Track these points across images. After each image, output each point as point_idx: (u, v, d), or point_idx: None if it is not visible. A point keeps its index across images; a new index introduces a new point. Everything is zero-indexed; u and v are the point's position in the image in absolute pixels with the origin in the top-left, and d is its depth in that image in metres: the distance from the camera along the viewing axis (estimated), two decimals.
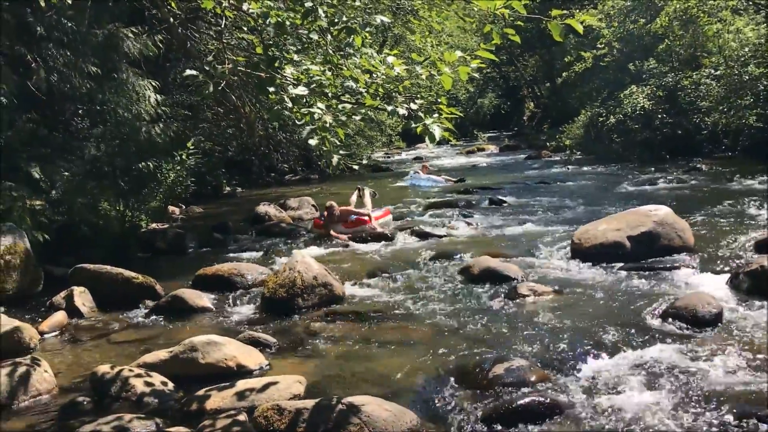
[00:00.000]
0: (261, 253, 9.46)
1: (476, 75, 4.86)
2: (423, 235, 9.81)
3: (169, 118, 11.02)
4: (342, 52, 4.55)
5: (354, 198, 11.57)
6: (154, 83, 10.10)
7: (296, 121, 4.55)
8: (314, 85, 4.19)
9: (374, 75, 4.56)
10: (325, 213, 10.44)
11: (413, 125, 4.34)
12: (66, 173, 8.58)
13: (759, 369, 4.45)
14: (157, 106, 9.99)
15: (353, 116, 4.31)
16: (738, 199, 11.13)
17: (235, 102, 10.45)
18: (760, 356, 4.64)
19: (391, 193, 15.94)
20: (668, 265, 7.10)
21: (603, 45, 22.63)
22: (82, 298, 6.94)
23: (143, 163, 9.78)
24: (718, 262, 7.14)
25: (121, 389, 4.68)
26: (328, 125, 4.01)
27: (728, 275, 6.51)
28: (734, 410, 3.88)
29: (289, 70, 4.45)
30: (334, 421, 3.80)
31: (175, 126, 11.13)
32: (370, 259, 8.78)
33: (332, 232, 10.20)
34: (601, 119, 20.61)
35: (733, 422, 3.77)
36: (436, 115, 4.39)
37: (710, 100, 18.25)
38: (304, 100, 4.27)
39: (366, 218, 10.41)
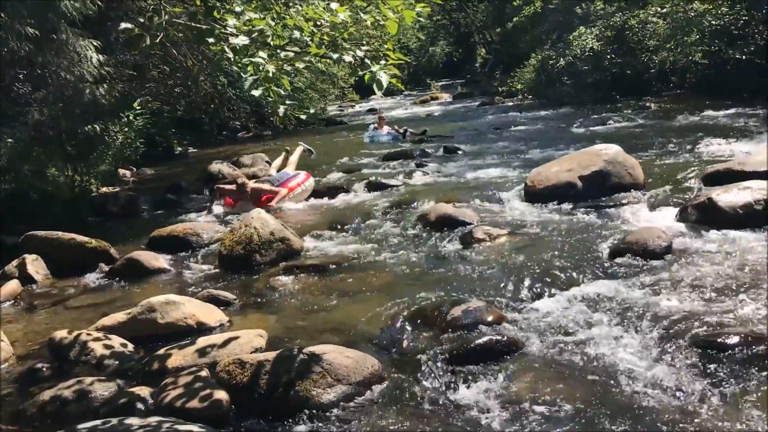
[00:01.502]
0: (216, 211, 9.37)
1: (422, 20, 4.82)
2: (379, 186, 9.82)
3: (113, 79, 10.73)
4: (284, 0, 4.46)
5: (278, 161, 10.81)
6: (95, 43, 9.79)
7: (242, 74, 4.47)
8: (255, 34, 4.11)
9: (318, 23, 4.49)
10: (236, 189, 9.42)
11: (360, 73, 4.29)
12: (9, 140, 8.34)
13: (708, 297, 4.59)
14: (100, 66, 9.70)
15: (297, 64, 4.24)
16: (686, 135, 11.35)
17: (176, 56, 10.20)
18: (708, 285, 4.79)
19: (346, 146, 15.87)
20: (619, 202, 7.25)
21: None
22: (35, 265, 6.82)
23: (89, 126, 9.54)
24: (668, 196, 7.29)
25: (81, 353, 4.64)
26: (271, 74, 3.94)
27: (677, 209, 6.66)
28: (687, 337, 4.01)
29: (231, 21, 4.35)
30: (296, 370, 3.83)
31: (120, 86, 10.86)
32: (327, 212, 8.78)
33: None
34: (552, 62, 20.70)
35: (686, 348, 3.89)
36: (383, 61, 4.35)
37: (657, 38, 18.43)
38: (249, 52, 4.18)
39: (272, 195, 9.34)
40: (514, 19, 27.38)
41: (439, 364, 4.02)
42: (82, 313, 5.77)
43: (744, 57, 15.30)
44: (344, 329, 4.76)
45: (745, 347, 3.79)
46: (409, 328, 4.62)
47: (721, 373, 3.62)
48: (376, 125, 16.43)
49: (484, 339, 4.17)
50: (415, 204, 8.33)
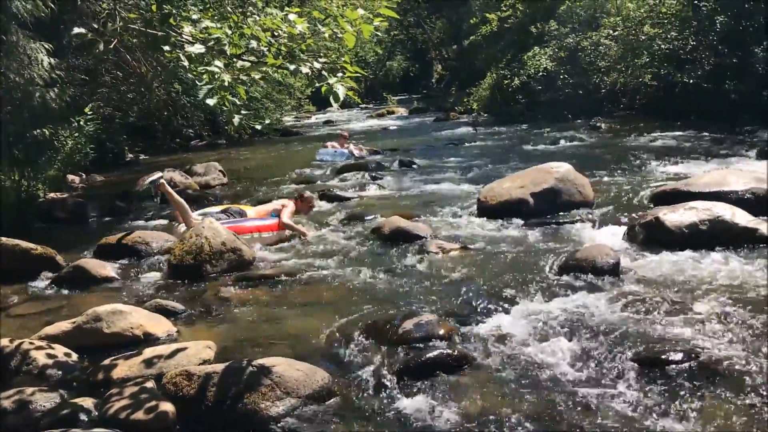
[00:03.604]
0: (167, 220, 9.23)
1: (379, 34, 4.86)
2: (333, 199, 9.81)
3: (64, 83, 10.52)
4: (242, 9, 4.45)
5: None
6: (47, 46, 9.61)
7: (197, 81, 4.43)
8: (212, 42, 4.08)
9: (276, 33, 4.48)
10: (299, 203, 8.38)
11: (317, 84, 4.30)
12: None
13: (653, 314, 4.68)
14: (51, 70, 9.52)
15: (253, 74, 4.22)
16: (635, 155, 11.62)
17: (130, 62, 10.07)
18: (653, 302, 4.88)
19: (301, 157, 15.84)
20: (569, 219, 7.37)
21: (507, 7, 22.98)
22: None
23: (38, 130, 9.35)
24: (617, 215, 7.45)
25: (22, 363, 4.50)
26: (226, 84, 3.91)
27: (625, 227, 6.80)
28: (632, 353, 4.08)
29: (187, 29, 4.31)
30: (245, 383, 3.79)
31: (71, 91, 10.67)
32: None
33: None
34: (507, 81, 21.01)
35: (631, 364, 3.96)
36: (340, 74, 4.36)
37: (609, 60, 18.86)
38: (204, 60, 4.15)
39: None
40: (471, 37, 27.71)
41: (389, 378, 4.02)
42: (25, 321, 5.60)
43: (692, 81, 15.74)
44: (295, 342, 4.72)
45: (687, 363, 3.88)
46: (360, 341, 4.61)
47: (664, 388, 3.69)
48: (334, 142, 15.27)
49: (435, 353, 4.18)
50: (370, 217, 8.34)
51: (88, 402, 3.90)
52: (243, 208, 8.51)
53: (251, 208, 8.48)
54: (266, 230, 7.76)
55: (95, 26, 4.11)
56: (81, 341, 4.84)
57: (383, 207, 8.95)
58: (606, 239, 6.56)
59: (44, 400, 3.93)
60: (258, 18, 4.57)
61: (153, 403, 3.74)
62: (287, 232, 7.76)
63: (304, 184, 11.57)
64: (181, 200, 8.10)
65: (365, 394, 3.89)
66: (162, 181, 8.17)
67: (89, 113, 12.84)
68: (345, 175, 12.18)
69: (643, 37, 17.58)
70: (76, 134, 12.01)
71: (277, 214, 8.02)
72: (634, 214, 7.27)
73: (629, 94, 18.55)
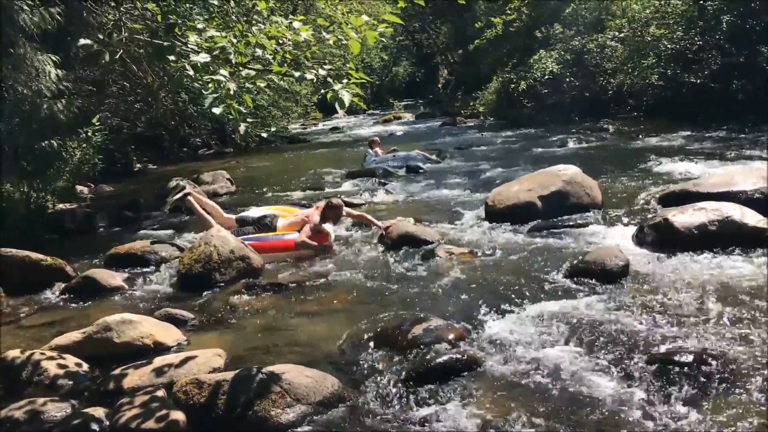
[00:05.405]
0: (175, 229, 9.27)
1: (384, 40, 4.87)
2: None
3: (72, 94, 10.58)
4: (246, 18, 4.47)
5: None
6: (54, 58, 9.67)
7: (203, 91, 4.45)
8: (217, 51, 4.09)
9: (281, 41, 4.50)
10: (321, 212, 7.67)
11: (322, 91, 4.31)
12: None
13: (664, 315, 4.67)
14: (58, 81, 9.58)
15: (259, 83, 4.23)
16: (643, 156, 11.56)
17: (136, 72, 10.12)
18: (664, 304, 4.88)
19: (308, 163, 15.87)
20: (578, 222, 7.35)
21: (512, 11, 22.97)
22: None
23: (47, 142, 9.39)
24: (625, 217, 7.42)
25: (33, 373, 4.52)
26: (232, 92, 3.93)
27: (634, 229, 6.77)
28: (643, 354, 4.07)
29: (192, 38, 4.33)
30: (255, 390, 3.79)
31: (79, 102, 10.73)
32: None
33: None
34: (513, 85, 20.97)
35: (642, 366, 3.95)
36: (345, 80, 4.37)
37: (615, 61, 18.82)
38: (210, 68, 4.17)
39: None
40: (476, 41, 27.68)
41: (399, 383, 4.02)
42: (36, 332, 5.64)
43: (699, 81, 15.68)
44: (304, 348, 4.73)
45: (698, 365, 3.86)
46: (369, 346, 4.61)
47: (675, 389, 3.68)
48: (374, 150, 14.53)
49: (444, 357, 4.17)
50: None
51: (99, 411, 3.91)
52: (284, 211, 8.22)
53: (288, 216, 8.04)
54: (288, 249, 7.40)
55: (101, 37, 4.12)
56: (91, 351, 4.86)
57: (391, 212, 8.94)
58: (615, 241, 6.53)
59: (55, 410, 3.96)
60: (263, 26, 4.59)
61: (163, 411, 3.75)
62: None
63: (312, 190, 11.58)
64: (207, 217, 7.94)
65: (375, 400, 3.89)
66: (189, 198, 8.14)
67: (97, 124, 12.92)
68: (352, 180, 12.20)
69: (649, 38, 17.54)
70: (84, 145, 12.08)
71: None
72: (642, 216, 7.25)
73: (636, 96, 18.47)
